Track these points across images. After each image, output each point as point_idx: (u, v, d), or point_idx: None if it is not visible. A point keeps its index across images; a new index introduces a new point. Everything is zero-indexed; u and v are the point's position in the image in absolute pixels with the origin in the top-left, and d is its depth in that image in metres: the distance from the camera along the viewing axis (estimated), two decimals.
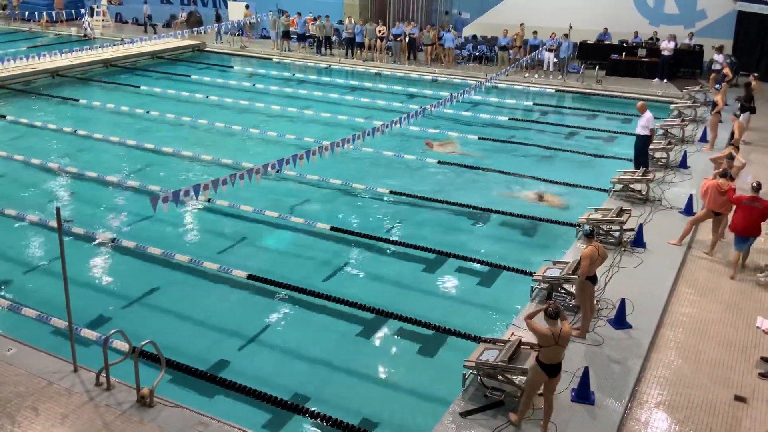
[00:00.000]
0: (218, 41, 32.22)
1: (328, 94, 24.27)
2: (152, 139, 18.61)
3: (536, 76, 26.14)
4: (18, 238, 13.03)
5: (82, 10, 36.16)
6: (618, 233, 12.21)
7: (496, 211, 14.23)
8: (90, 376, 8.34)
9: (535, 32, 26.38)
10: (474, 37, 29.86)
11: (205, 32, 31.46)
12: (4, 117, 20.77)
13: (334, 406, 8.51)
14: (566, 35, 25.37)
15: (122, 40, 29.56)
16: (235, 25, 32.17)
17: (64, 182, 15.88)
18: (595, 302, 9.84)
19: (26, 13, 36.02)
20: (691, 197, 13.72)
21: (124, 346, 8.68)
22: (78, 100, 22.81)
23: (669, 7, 27.09)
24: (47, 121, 20.18)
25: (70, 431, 7.50)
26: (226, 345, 9.89)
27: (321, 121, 21.09)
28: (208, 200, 14.21)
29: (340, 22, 30.97)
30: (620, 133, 20.04)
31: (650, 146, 15.78)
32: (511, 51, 26.88)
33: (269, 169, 12.15)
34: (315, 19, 30.15)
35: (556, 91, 24.96)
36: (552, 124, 21.32)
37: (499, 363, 8.05)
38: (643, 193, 14.24)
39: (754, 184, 11.28)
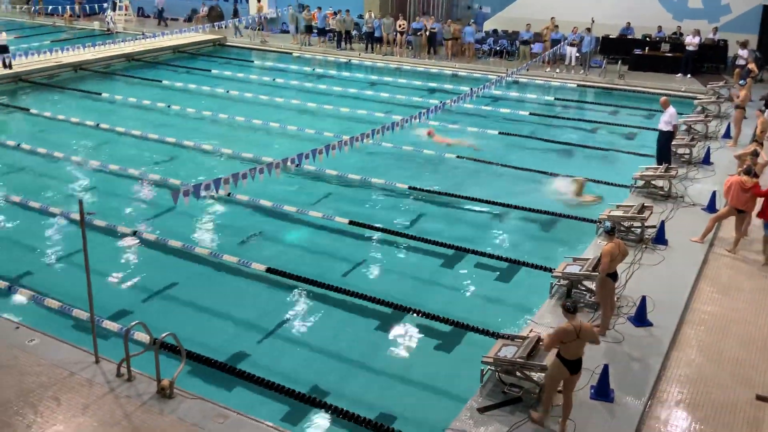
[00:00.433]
0: (237, 36, 32.33)
1: (347, 89, 24.28)
2: (173, 133, 18.75)
3: (557, 70, 25.94)
4: (41, 230, 13.20)
5: (105, 5, 36.48)
6: (639, 230, 12.09)
7: (516, 207, 14.16)
8: (111, 368, 8.44)
9: (556, 26, 26.16)
10: (495, 31, 29.69)
11: (225, 27, 31.59)
12: (28, 110, 21.05)
13: (352, 400, 8.54)
14: (588, 29, 25.14)
15: (144, 34, 29.78)
16: (255, 19, 32.25)
17: (86, 175, 16.06)
18: (616, 299, 9.76)
19: (49, 7, 36.45)
20: (714, 194, 13.54)
21: (144, 338, 8.79)
22: (100, 94, 23.03)
23: (693, 2, 26.73)
24: (70, 115, 20.39)
25: (91, 421, 7.60)
26: (245, 337, 9.96)
27: (340, 115, 21.11)
28: (228, 194, 14.29)
29: (361, 17, 30.95)
30: (642, 128, 19.82)
31: (673, 142, 15.60)
32: (534, 45, 26.64)
33: (289, 163, 12.19)
34: (335, 14, 30.16)
35: (578, 86, 24.75)
36: (573, 119, 21.15)
37: (518, 359, 8.02)
38: (666, 189, 14.08)
39: None
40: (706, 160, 16.06)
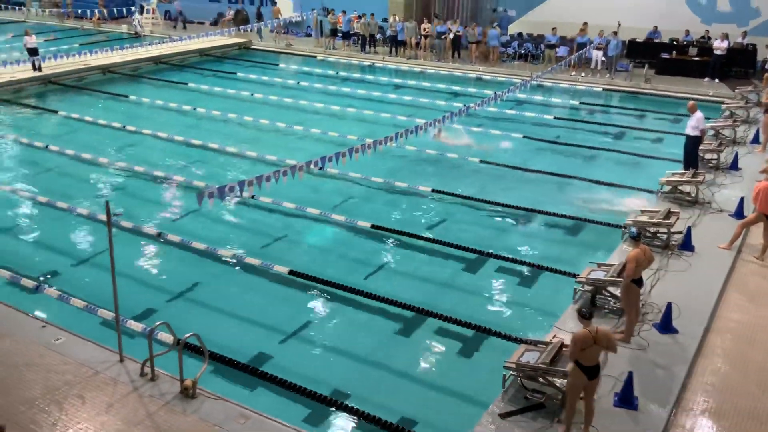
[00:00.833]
0: (260, 39, 32.58)
1: (371, 92, 24.32)
2: (199, 135, 18.93)
3: (583, 74, 25.75)
4: (68, 230, 13.40)
5: (133, 8, 36.97)
6: (665, 236, 11.94)
7: (540, 211, 14.07)
8: (135, 367, 8.53)
9: (581, 30, 25.97)
10: (519, 34, 29.55)
11: (251, 30, 31.86)
12: (57, 112, 21.38)
13: (373, 403, 8.53)
14: (615, 33, 24.92)
15: (170, 37, 30.11)
16: (279, 23, 32.44)
17: (113, 176, 16.27)
18: (641, 306, 9.66)
19: (79, 10, 37.03)
20: (741, 200, 13.33)
21: (168, 338, 8.86)
22: (128, 96, 23.32)
23: (722, 5, 26.36)
24: (98, 117, 20.68)
25: (114, 420, 7.68)
26: (267, 339, 10.00)
27: (364, 118, 21.14)
28: (252, 196, 14.38)
29: (385, 20, 31.01)
30: (669, 133, 19.58)
31: (700, 147, 15.39)
32: (559, 49, 26.42)
33: (312, 166, 12.23)
34: (360, 17, 30.25)
35: (604, 90, 24.53)
36: (599, 123, 20.98)
37: (541, 365, 7.96)
38: (692, 195, 13.89)
39: None
40: (734, 166, 15.82)
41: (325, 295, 11.10)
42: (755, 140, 17.80)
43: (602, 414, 7.76)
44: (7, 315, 9.68)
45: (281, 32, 32.48)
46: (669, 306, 9.59)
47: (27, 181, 15.90)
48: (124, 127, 19.77)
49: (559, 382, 7.96)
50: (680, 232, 12.04)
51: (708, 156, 15.94)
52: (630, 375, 8.09)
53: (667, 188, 14.15)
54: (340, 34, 30.83)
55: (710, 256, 11.65)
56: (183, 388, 8.06)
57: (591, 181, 15.70)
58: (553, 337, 8.88)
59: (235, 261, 12.08)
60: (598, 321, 9.55)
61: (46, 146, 17.97)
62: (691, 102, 15.25)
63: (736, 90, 21.83)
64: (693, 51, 25.39)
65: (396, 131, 14.32)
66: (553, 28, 26.52)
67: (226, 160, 17.49)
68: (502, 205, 14.40)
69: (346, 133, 18.98)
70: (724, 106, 20.51)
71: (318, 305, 10.91)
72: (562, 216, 13.84)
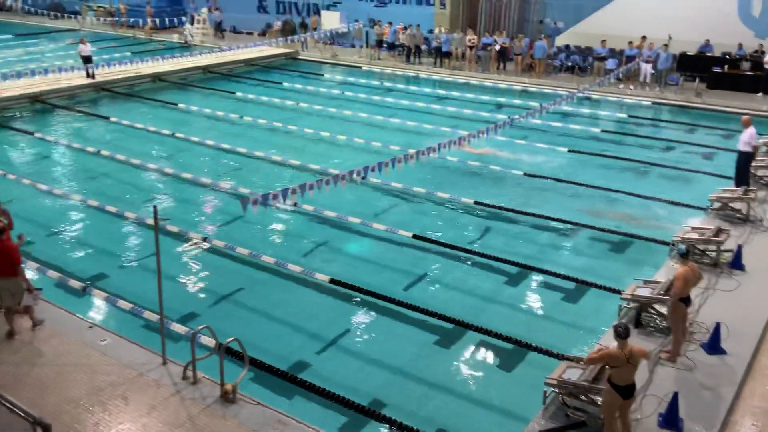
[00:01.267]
0: (304, 50, 32.97)
1: (415, 103, 24.35)
2: (245, 144, 19.21)
3: (631, 87, 25.34)
4: (116, 233, 13.72)
5: (184, 18, 37.82)
6: (715, 254, 11.63)
7: (585, 226, 13.85)
8: (177, 370, 8.66)
9: (630, 42, 25.59)
10: (567, 46, 29.27)
11: (298, 41, 32.27)
12: (108, 118, 21.96)
13: (411, 414, 8.49)
14: (666, 46, 24.48)
15: (220, 47, 30.69)
16: (327, 34, 32.81)
17: (161, 182, 16.61)
18: (688, 325, 9.41)
19: (131, 19, 38.07)
20: None
21: (210, 342, 8.97)
22: (177, 104, 23.82)
23: None
24: (147, 124, 21.18)
25: (156, 422, 7.80)
26: (306, 346, 10.05)
27: (407, 129, 21.17)
28: (295, 204, 14.51)
29: (431, 32, 31.07)
30: (720, 148, 19.12)
31: (753, 163, 14.97)
32: (608, 61, 26.04)
33: (354, 175, 12.29)
34: (405, 29, 30.37)
35: (653, 103, 24.10)
36: (647, 137, 20.59)
37: (583, 383, 7.80)
38: (744, 212, 13.51)
39: None
40: None
41: (365, 305, 11.10)
42: None
43: None
44: (56, 315, 9.93)
45: (330, 43, 32.85)
46: (717, 326, 9.33)
47: (78, 185, 16.35)
48: (173, 134, 20.18)
49: (601, 400, 7.79)
50: (730, 251, 11.71)
51: (760, 173, 15.49)
52: (675, 396, 7.88)
53: (717, 205, 13.79)
54: (385, 45, 31.00)
55: (761, 275, 11.29)
56: (223, 392, 8.15)
57: (638, 195, 15.40)
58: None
59: (276, 268, 12.19)
60: (644, 339, 9.36)
61: (98, 151, 18.45)
62: (745, 116, 14.86)
63: None
64: (746, 65, 24.75)
65: (439, 142, 14.31)
66: (603, 41, 26.17)
67: (270, 168, 17.70)
68: (546, 218, 14.23)
69: (389, 143, 19.03)
70: None
71: (357, 314, 10.92)
72: (607, 231, 13.60)
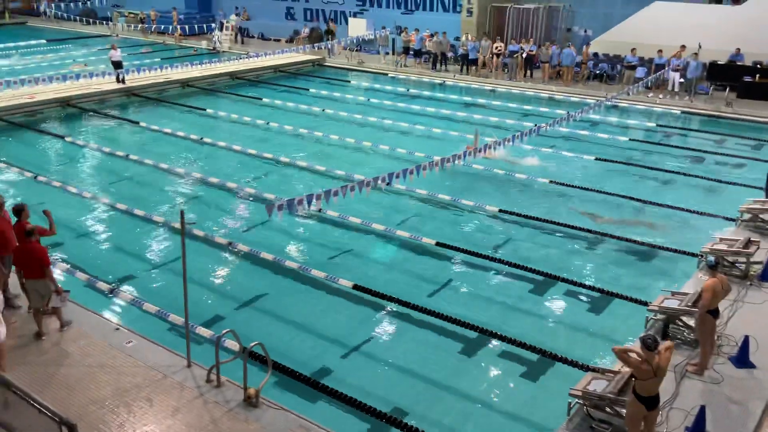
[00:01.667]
0: (331, 56, 33.14)
1: (440, 110, 24.34)
2: (271, 149, 19.34)
3: (660, 96, 25.06)
4: (144, 237, 13.88)
5: (213, 25, 38.28)
6: (744, 265, 11.42)
7: (611, 236, 13.70)
8: (202, 373, 8.72)
9: (660, 51, 25.32)
10: (595, 54, 29.05)
11: (325, 48, 32.47)
12: (138, 123, 22.27)
13: (433, 422, 8.47)
14: (695, 55, 24.19)
15: (247, 54, 30.98)
16: (353, 41, 32.96)
17: (188, 186, 16.78)
18: (716, 338, 9.25)
19: (162, 26, 38.61)
20: None
21: (234, 346, 9.03)
22: (205, 110, 24.08)
23: None
24: (176, 128, 21.43)
25: (180, 424, 7.86)
26: (329, 352, 10.06)
27: (432, 136, 21.15)
28: (319, 210, 14.56)
29: (457, 39, 31.05)
30: (751, 159, 18.82)
31: None
32: (638, 70, 25.78)
33: (379, 182, 12.31)
34: (432, 36, 30.40)
35: (682, 112, 23.81)
36: (676, 147, 20.34)
37: (608, 394, 7.71)
38: None
39: None
40: None
41: (388, 311, 11.10)
42: None
43: None
44: (83, 317, 10.07)
45: (359, 50, 33.05)
46: (746, 339, 9.15)
47: (107, 188, 16.59)
48: (201, 139, 20.40)
49: (625, 412, 7.69)
50: (760, 263, 11.49)
51: None
52: (702, 409, 7.74)
53: (747, 216, 13.56)
54: (411, 52, 31.05)
55: None
56: (246, 396, 8.19)
57: (666, 205, 15.21)
58: (622, 366, 8.59)
59: (300, 273, 12.23)
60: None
61: (127, 155, 18.71)
62: None
63: None
64: None
65: (464, 149, 14.27)
66: (633, 49, 25.92)
67: (295, 173, 17.80)
68: (572, 227, 14.11)
69: (414, 150, 19.03)
70: None
71: (380, 321, 10.91)
72: (634, 241, 13.44)
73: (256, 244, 13.24)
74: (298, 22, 37.93)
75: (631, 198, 15.70)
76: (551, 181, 16.88)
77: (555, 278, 12.02)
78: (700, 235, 13.56)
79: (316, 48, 31.91)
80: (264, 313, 11.18)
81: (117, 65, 25.71)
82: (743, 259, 11.42)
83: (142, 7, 41.39)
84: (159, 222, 14.33)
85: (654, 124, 22.80)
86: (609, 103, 20.77)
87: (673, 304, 9.74)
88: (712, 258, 9.23)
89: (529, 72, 28.42)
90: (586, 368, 9.02)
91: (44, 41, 38.13)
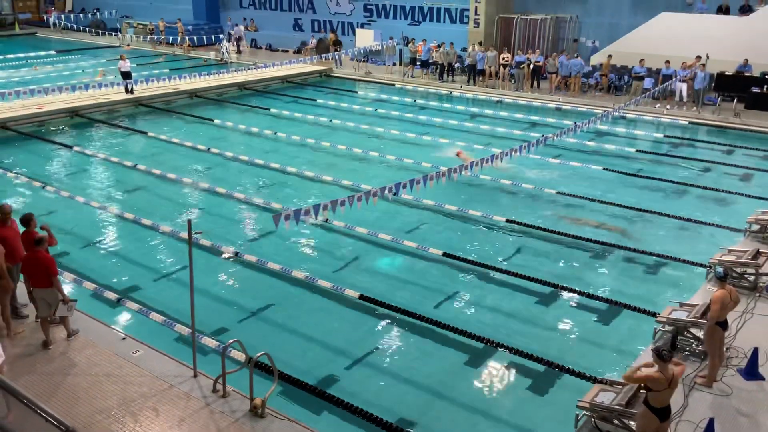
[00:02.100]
0: (338, 67, 33.28)
1: (447, 121, 24.36)
2: (278, 159, 19.39)
3: (668, 107, 25.02)
4: (151, 246, 13.91)
5: (221, 36, 38.51)
6: (753, 277, 11.36)
7: (618, 246, 13.66)
8: (208, 383, 8.71)
9: (667, 62, 25.30)
10: (602, 65, 29.02)
11: (332, 58, 32.61)
12: (146, 133, 22.37)
13: None
14: (703, 65, 24.15)
15: (255, 64, 31.13)
16: (361, 51, 33.08)
17: (195, 196, 16.83)
18: (725, 350, 9.19)
19: (171, 37, 38.86)
20: None
21: (240, 356, 9.02)
22: (213, 120, 24.18)
23: None
24: (184, 139, 21.53)
25: None
26: (335, 362, 10.03)
27: (439, 146, 21.16)
28: (326, 220, 14.57)
29: (464, 50, 31.13)
30: (759, 170, 18.75)
31: None
32: (646, 80, 25.72)
33: (386, 192, 12.30)
34: (439, 46, 30.49)
35: (690, 123, 23.76)
36: (683, 157, 20.28)
37: (616, 406, 7.66)
38: None
39: None
40: None
41: (395, 322, 11.07)
42: None
43: None
44: (90, 326, 10.09)
45: (366, 60, 33.17)
46: (755, 351, 9.09)
47: (115, 198, 16.66)
48: (209, 149, 20.46)
49: (635, 425, 7.64)
50: None
51: None
52: (711, 422, 7.69)
53: (755, 227, 13.50)
54: (418, 63, 31.14)
55: None
56: (252, 406, 8.17)
57: (674, 216, 15.15)
58: None
59: (307, 283, 12.23)
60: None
61: (135, 165, 18.79)
62: None
63: None
64: None
65: (472, 160, 14.27)
66: (641, 60, 25.91)
67: (302, 183, 17.83)
68: (579, 238, 14.07)
69: (421, 161, 19.04)
70: None
71: (386, 331, 10.89)
72: (642, 252, 13.39)
73: (263, 254, 13.25)
74: (305, 33, 38.13)
75: (639, 209, 15.65)
76: (558, 192, 16.85)
77: (562, 288, 11.98)
78: (708, 246, 13.49)
79: (324, 59, 32.04)
80: (270, 323, 11.18)
81: (126, 76, 25.88)
82: (752, 271, 11.36)
83: (151, 18, 41.69)
84: (166, 232, 14.37)
85: (662, 135, 22.76)
86: (616, 113, 20.73)
87: (681, 315, 9.69)
88: (720, 269, 9.19)
89: (536, 82, 28.45)
90: (593, 380, 8.97)
91: (53, 52, 38.43)
